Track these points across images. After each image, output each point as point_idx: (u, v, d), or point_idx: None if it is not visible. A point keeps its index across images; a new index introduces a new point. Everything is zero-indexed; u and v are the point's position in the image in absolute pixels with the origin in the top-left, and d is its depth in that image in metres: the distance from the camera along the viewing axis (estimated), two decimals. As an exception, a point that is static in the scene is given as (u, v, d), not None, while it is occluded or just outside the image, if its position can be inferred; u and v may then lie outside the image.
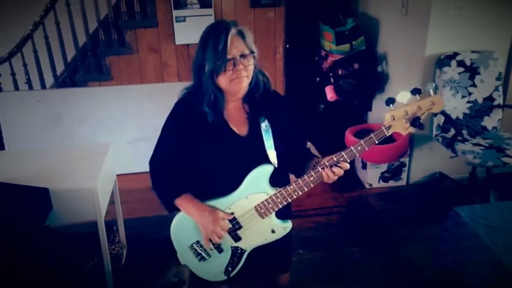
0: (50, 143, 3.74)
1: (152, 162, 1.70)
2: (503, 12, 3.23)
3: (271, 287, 1.97)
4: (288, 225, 1.68)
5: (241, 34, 1.52)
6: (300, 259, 2.78)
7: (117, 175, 2.65)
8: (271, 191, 1.59)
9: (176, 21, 3.83)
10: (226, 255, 1.68)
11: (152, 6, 3.79)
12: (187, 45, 3.92)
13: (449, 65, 3.17)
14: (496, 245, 1.98)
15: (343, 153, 1.51)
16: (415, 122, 1.44)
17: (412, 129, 1.46)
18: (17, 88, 4.05)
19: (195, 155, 1.63)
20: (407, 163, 3.58)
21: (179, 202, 1.63)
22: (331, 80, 3.86)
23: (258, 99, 1.62)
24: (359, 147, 1.50)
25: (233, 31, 1.50)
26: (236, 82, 1.53)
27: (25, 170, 2.29)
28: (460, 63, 3.19)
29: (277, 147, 1.62)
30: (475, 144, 3.06)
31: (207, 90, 1.55)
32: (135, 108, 3.82)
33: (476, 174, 3.24)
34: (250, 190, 1.60)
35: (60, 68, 4.04)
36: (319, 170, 1.52)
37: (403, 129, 1.46)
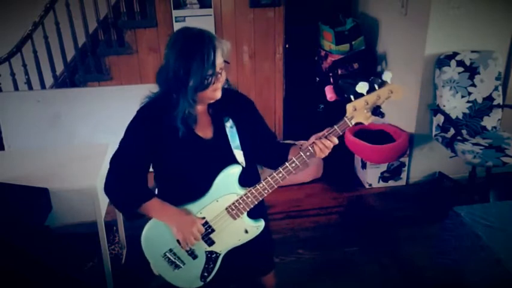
0: (49, 143, 3.74)
1: (114, 163, 1.62)
2: (502, 12, 3.23)
3: None
4: (261, 224, 1.65)
5: (221, 47, 1.50)
6: (300, 259, 2.78)
7: (117, 175, 2.65)
8: (241, 191, 1.58)
9: (176, 22, 3.83)
10: (201, 261, 1.66)
11: (152, 6, 3.79)
12: (187, 45, 3.92)
13: (449, 65, 3.17)
14: (496, 244, 1.98)
15: (310, 148, 1.54)
16: (375, 111, 1.49)
17: (373, 118, 1.51)
18: (16, 88, 4.05)
19: (161, 162, 1.60)
20: (407, 163, 3.58)
21: (149, 206, 1.59)
22: (331, 80, 3.87)
23: (221, 99, 1.60)
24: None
25: (218, 45, 1.47)
26: (216, 93, 1.53)
27: (25, 170, 2.29)
28: (460, 63, 3.19)
29: (244, 146, 1.62)
30: (474, 144, 3.06)
31: (183, 106, 1.50)
32: (134, 108, 3.78)
33: (476, 174, 3.24)
34: (219, 192, 1.59)
35: (59, 68, 4.04)
36: (300, 155, 1.53)
37: (365, 118, 1.51)
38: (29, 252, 1.73)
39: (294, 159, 1.54)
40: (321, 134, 1.54)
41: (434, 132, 3.29)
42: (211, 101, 1.58)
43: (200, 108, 1.61)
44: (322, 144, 1.52)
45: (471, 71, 3.21)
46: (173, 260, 1.66)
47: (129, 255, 2.80)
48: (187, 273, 1.68)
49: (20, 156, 2.54)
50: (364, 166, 3.61)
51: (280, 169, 1.54)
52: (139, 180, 1.61)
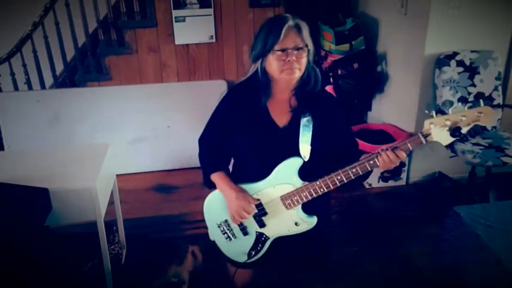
0: (49, 143, 3.74)
1: (200, 138, 1.83)
2: (502, 12, 3.23)
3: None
4: (312, 220, 1.69)
5: (297, 27, 1.59)
6: (300, 259, 2.78)
7: (117, 175, 2.65)
8: (298, 184, 1.63)
9: (175, 21, 3.83)
10: (251, 239, 1.73)
11: (151, 6, 3.79)
12: (187, 45, 3.92)
13: (449, 65, 3.17)
14: (496, 244, 1.98)
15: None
16: (455, 132, 1.37)
17: (451, 140, 1.40)
18: (16, 88, 4.05)
19: (235, 138, 1.71)
20: (407, 163, 3.58)
21: (214, 177, 1.73)
22: (331, 80, 3.86)
23: (307, 95, 1.66)
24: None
25: (290, 23, 1.58)
26: (287, 73, 1.58)
27: (25, 170, 2.29)
28: (460, 63, 3.19)
29: (315, 143, 1.65)
30: (474, 144, 3.06)
31: (256, 76, 1.63)
32: (134, 108, 3.81)
33: (476, 174, 3.24)
34: (278, 180, 1.65)
35: (59, 68, 4.04)
36: (363, 162, 1.54)
37: (444, 139, 1.40)
38: (29, 252, 1.73)
39: (355, 164, 1.54)
40: (390, 144, 1.51)
41: (434, 132, 3.28)
42: (289, 84, 1.64)
43: (282, 94, 1.68)
44: (387, 156, 1.49)
45: (471, 70, 3.21)
46: (226, 231, 1.75)
47: (129, 255, 2.80)
48: (236, 247, 1.76)
49: (20, 156, 2.54)
50: (364, 166, 3.61)
51: (340, 171, 1.56)
52: (217, 151, 1.77)
